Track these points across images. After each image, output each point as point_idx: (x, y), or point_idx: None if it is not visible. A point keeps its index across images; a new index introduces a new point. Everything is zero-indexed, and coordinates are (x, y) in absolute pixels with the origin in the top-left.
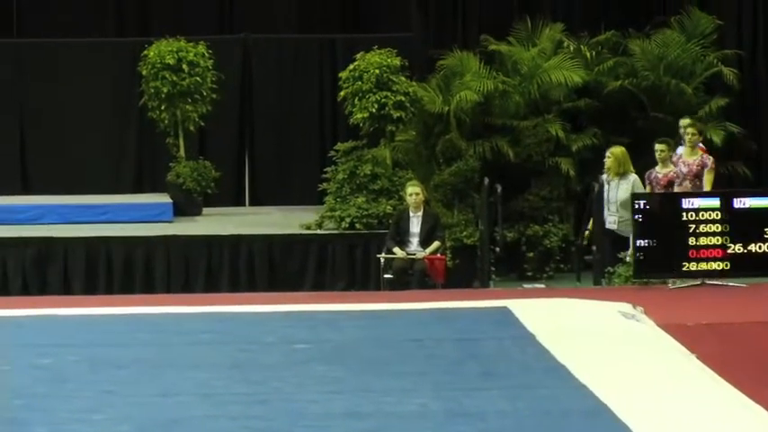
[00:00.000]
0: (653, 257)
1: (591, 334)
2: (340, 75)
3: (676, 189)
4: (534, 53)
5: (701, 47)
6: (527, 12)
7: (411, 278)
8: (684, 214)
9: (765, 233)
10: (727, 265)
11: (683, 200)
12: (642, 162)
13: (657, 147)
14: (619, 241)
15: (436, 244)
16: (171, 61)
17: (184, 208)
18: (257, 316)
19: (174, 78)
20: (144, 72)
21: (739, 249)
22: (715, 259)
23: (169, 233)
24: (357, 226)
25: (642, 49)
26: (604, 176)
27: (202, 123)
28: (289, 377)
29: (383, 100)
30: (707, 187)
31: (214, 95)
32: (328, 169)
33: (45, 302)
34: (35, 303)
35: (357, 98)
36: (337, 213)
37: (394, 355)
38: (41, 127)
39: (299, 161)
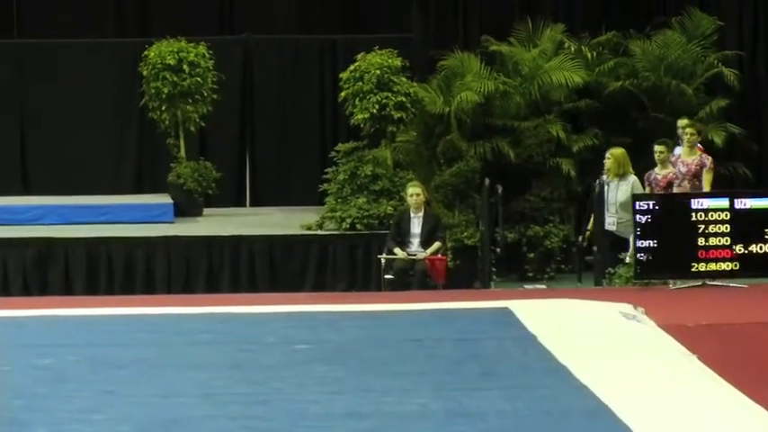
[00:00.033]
0: (660, 258)
1: (592, 334)
2: (341, 75)
3: (675, 190)
4: (535, 54)
5: (702, 48)
6: (528, 12)
7: (412, 279)
8: (693, 215)
9: (766, 234)
10: (736, 266)
11: (692, 200)
12: (643, 163)
13: (657, 148)
14: (618, 242)
15: (437, 245)
16: (172, 62)
17: (185, 208)
18: (258, 316)
19: (175, 79)
20: (145, 72)
21: (740, 250)
22: (724, 260)
23: (170, 234)
24: (358, 227)
25: (643, 50)
26: (604, 177)
27: (203, 124)
28: (289, 377)
29: (384, 101)
30: (706, 187)
31: (215, 96)
32: (329, 170)
33: (45, 303)
34: (36, 304)
35: (358, 99)
36: (338, 214)
37: (394, 356)
38: (42, 127)
39: (299, 162)
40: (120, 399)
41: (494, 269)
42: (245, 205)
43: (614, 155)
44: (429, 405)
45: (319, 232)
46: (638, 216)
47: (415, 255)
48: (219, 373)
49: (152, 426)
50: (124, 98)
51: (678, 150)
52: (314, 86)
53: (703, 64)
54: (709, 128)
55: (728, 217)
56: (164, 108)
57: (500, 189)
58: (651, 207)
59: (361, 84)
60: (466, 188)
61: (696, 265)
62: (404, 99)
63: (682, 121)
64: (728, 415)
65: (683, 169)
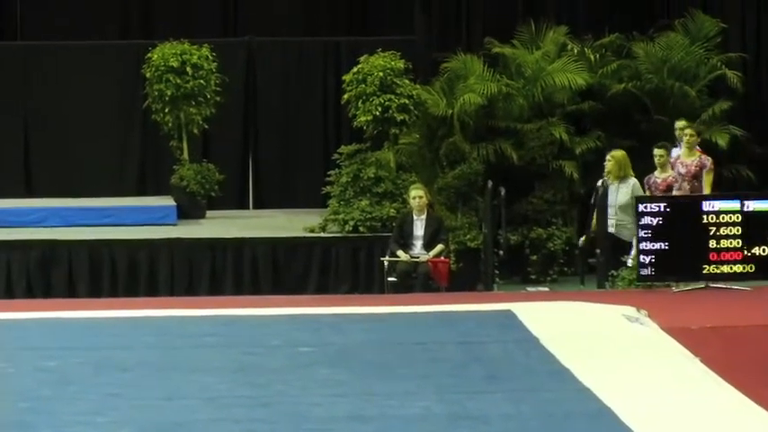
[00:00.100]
0: (671, 260)
1: (595, 337)
2: (344, 78)
3: (675, 192)
4: (538, 56)
5: (705, 50)
6: (531, 15)
7: (415, 281)
8: (705, 217)
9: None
10: (751, 268)
11: (704, 203)
12: (646, 166)
13: (656, 152)
14: (618, 244)
15: (440, 247)
16: (175, 64)
17: (188, 211)
18: (261, 319)
19: (178, 81)
20: (148, 75)
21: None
22: (735, 262)
23: (173, 236)
24: (361, 229)
25: (646, 52)
26: (604, 180)
27: (206, 126)
28: (292, 380)
29: (387, 103)
30: (707, 188)
31: (218, 98)
32: (332, 172)
33: (49, 305)
34: (39, 306)
35: (361, 101)
36: (341, 216)
37: (397, 359)
38: (45, 130)
39: (302, 164)
40: (123, 401)
41: (496, 272)
42: (248, 207)
43: (615, 157)
44: (432, 408)
45: (322, 235)
46: (643, 218)
47: (417, 257)
48: (223, 376)
49: (155, 429)
50: (127, 100)
51: (676, 152)
52: (317, 89)
53: (706, 66)
54: (712, 130)
55: (740, 219)
56: (167, 110)
57: (503, 191)
58: (662, 209)
59: (364, 86)
60: (469, 190)
61: (708, 268)
62: (407, 101)
63: (680, 123)
64: (732, 418)
65: (683, 170)
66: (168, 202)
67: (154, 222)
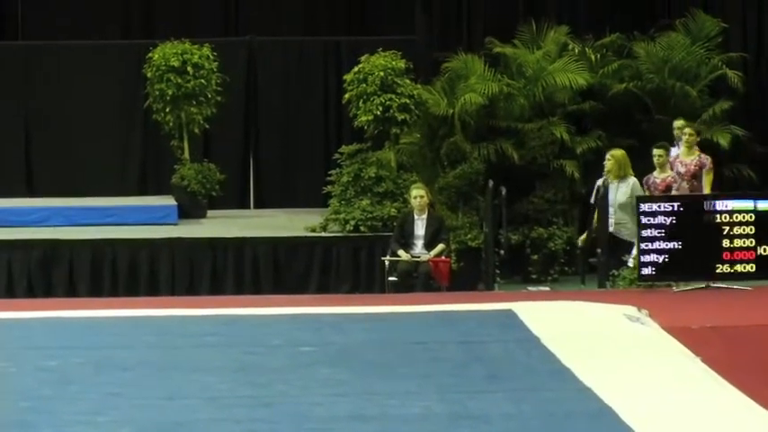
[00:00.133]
0: (684, 260)
1: (595, 337)
2: (345, 77)
3: (674, 192)
4: (539, 56)
5: (706, 50)
6: (532, 14)
7: (415, 281)
8: (718, 216)
9: None
10: (765, 267)
11: (717, 202)
12: (646, 165)
13: (655, 152)
14: (617, 244)
15: (441, 246)
16: (176, 63)
17: (189, 210)
18: (262, 319)
19: (179, 81)
20: (149, 74)
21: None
22: (748, 261)
23: (174, 235)
24: (362, 229)
25: (647, 52)
26: (604, 179)
27: (207, 126)
28: (294, 380)
29: (388, 102)
30: (707, 188)
31: (219, 98)
32: (333, 172)
33: (50, 305)
34: (40, 305)
35: (361, 101)
36: (342, 216)
37: (398, 358)
38: (47, 129)
39: (303, 164)
40: (124, 401)
41: (497, 271)
42: (248, 207)
43: (615, 156)
44: (433, 408)
45: (323, 234)
46: (656, 218)
47: (418, 257)
48: (224, 376)
49: (156, 428)
50: (128, 100)
51: (675, 151)
52: (318, 88)
53: (707, 66)
54: (713, 130)
55: (753, 219)
56: (168, 110)
57: (504, 191)
58: (675, 209)
59: (364, 86)
60: (470, 190)
61: (721, 267)
62: (408, 101)
63: (678, 122)
64: (732, 418)
65: (682, 169)
66: (169, 201)
67: (155, 222)
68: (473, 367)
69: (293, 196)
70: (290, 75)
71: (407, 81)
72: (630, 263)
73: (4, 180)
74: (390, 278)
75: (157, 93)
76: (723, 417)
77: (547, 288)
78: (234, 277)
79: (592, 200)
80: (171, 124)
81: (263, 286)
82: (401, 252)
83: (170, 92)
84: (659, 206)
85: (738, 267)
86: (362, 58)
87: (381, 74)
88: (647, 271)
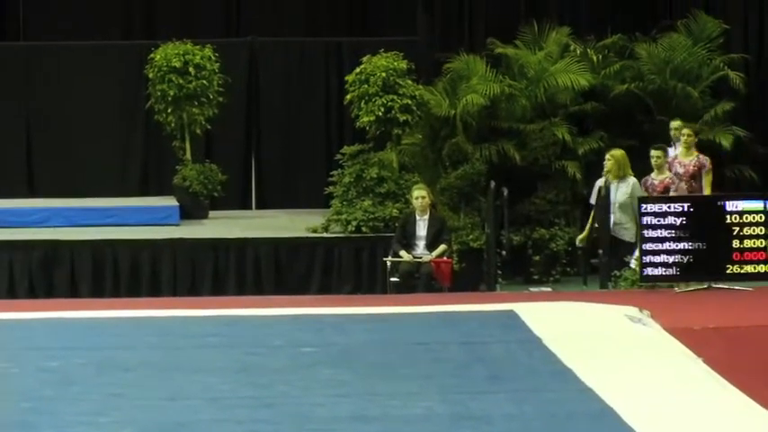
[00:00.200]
0: (695, 260)
1: (597, 337)
2: (346, 78)
3: (672, 194)
4: (541, 56)
5: (708, 50)
6: (534, 15)
7: (417, 281)
8: (728, 217)
9: None
10: None
11: (727, 203)
12: (648, 166)
13: (653, 153)
14: (617, 244)
15: (442, 247)
16: (177, 64)
17: (191, 211)
18: (264, 319)
19: (181, 81)
20: (150, 75)
21: None
22: (759, 262)
23: (176, 236)
24: (363, 229)
25: (648, 53)
26: (603, 179)
27: (209, 126)
28: (295, 381)
29: (389, 103)
30: (706, 189)
31: (220, 98)
32: (335, 172)
33: (52, 305)
34: (42, 306)
35: (363, 101)
36: (344, 217)
37: (400, 359)
38: (48, 130)
39: (305, 164)
40: (126, 402)
41: (499, 272)
42: (250, 208)
43: (615, 156)
44: (435, 408)
45: (325, 235)
46: (666, 218)
47: (420, 257)
48: (226, 377)
49: (158, 429)
50: (130, 101)
51: (672, 152)
52: (319, 89)
53: (709, 67)
54: (715, 131)
55: (763, 219)
56: (169, 110)
57: (505, 192)
58: (686, 209)
59: (366, 86)
60: (471, 191)
61: (731, 268)
62: (409, 102)
63: (675, 123)
64: (734, 418)
65: (681, 170)
66: (171, 202)
67: (156, 222)
68: (475, 368)
69: (295, 197)
70: (291, 75)
71: (409, 82)
72: (633, 264)
73: (5, 180)
74: (392, 279)
75: (159, 93)
76: (724, 417)
77: (548, 289)
78: (236, 278)
79: (591, 200)
80: (172, 125)
81: (264, 287)
82: (403, 253)
83: (172, 92)
84: (669, 207)
85: (749, 268)
86: (364, 59)
87: (383, 75)
88: (649, 271)
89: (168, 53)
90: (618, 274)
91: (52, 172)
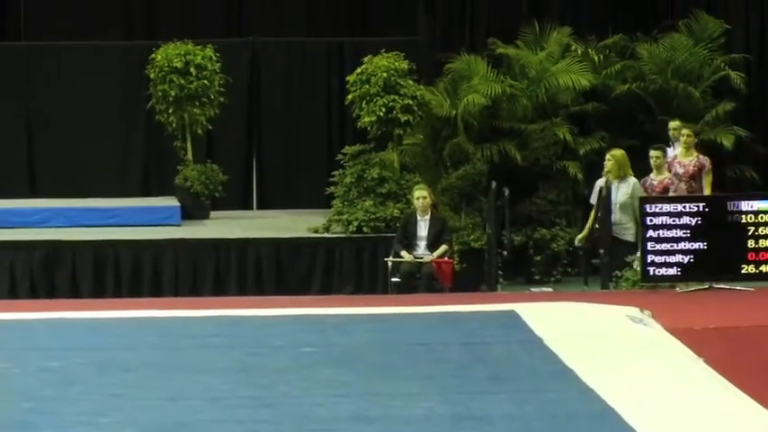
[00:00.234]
0: (709, 260)
1: (598, 338)
2: (348, 78)
3: (671, 194)
4: (542, 57)
5: (709, 50)
6: (535, 15)
7: (418, 282)
8: (743, 217)
9: None
10: None
11: (742, 203)
12: (650, 166)
13: (652, 153)
14: (617, 244)
15: (444, 248)
16: (179, 64)
17: (192, 211)
18: (265, 320)
19: (182, 82)
20: (152, 75)
21: None
22: None
23: (177, 236)
24: (365, 229)
25: (650, 53)
26: (603, 179)
27: (210, 127)
28: (296, 381)
29: (391, 103)
30: (707, 189)
31: (222, 99)
32: (336, 173)
33: (53, 305)
34: (43, 306)
35: (365, 102)
36: (345, 217)
37: (401, 359)
38: (49, 130)
39: (306, 164)
40: (127, 402)
41: (500, 272)
42: (251, 208)
43: (615, 156)
44: (436, 409)
45: (326, 235)
46: (682, 218)
47: (421, 258)
48: (227, 377)
49: (159, 429)
50: (131, 101)
51: (671, 152)
52: (321, 89)
53: (710, 67)
54: (717, 131)
55: None
56: (171, 111)
57: (507, 192)
58: (701, 209)
59: (367, 87)
60: (472, 191)
61: (746, 267)
62: (411, 102)
63: (674, 123)
64: (735, 419)
65: (681, 170)
66: (172, 202)
67: (158, 223)
68: (476, 368)
69: (296, 197)
70: (292, 76)
71: (410, 82)
72: (636, 264)
73: (6, 181)
74: (393, 279)
75: (160, 94)
76: (725, 418)
77: (550, 289)
78: (237, 278)
79: (591, 200)
80: (174, 125)
81: (265, 287)
82: (404, 253)
83: (173, 93)
84: (684, 207)
85: (764, 268)
86: (365, 59)
87: (384, 75)
88: (655, 271)
89: (169, 53)
90: (619, 274)
91: (54, 172)
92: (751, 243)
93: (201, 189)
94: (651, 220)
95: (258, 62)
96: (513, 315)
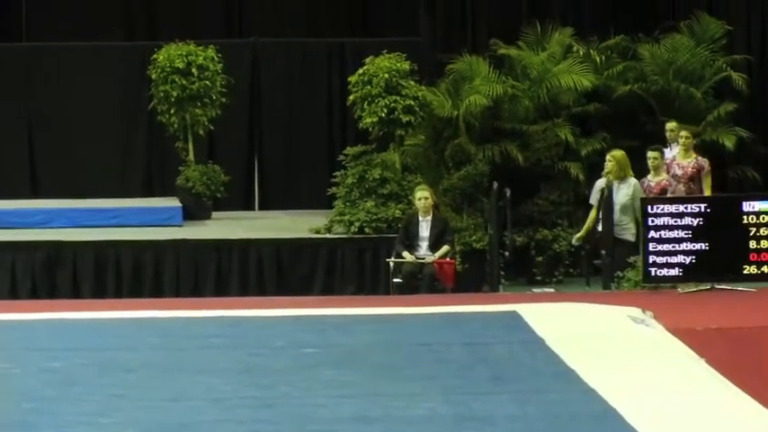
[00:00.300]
0: (711, 261)
1: (600, 338)
2: (349, 79)
3: (669, 195)
4: (543, 57)
5: (710, 51)
6: (536, 16)
7: (420, 282)
8: (745, 217)
9: None
10: None
11: (744, 203)
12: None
13: (650, 154)
14: (618, 245)
15: (445, 248)
16: (180, 65)
17: (194, 212)
18: (266, 320)
19: (184, 82)
20: (153, 76)
21: None
22: None
23: (178, 237)
24: (366, 230)
25: (651, 54)
26: (603, 180)
27: (212, 127)
28: (297, 381)
29: (392, 104)
30: (706, 191)
31: (223, 99)
32: (337, 173)
33: (54, 306)
34: (44, 307)
35: (366, 102)
36: (346, 218)
37: (403, 360)
38: (50, 131)
39: (308, 165)
40: (128, 402)
41: (502, 273)
42: (253, 209)
43: (616, 157)
44: (438, 409)
45: (328, 236)
46: (683, 219)
47: (423, 258)
48: (228, 378)
49: (160, 430)
50: (133, 102)
51: (669, 153)
52: (322, 90)
53: (712, 68)
54: (718, 132)
55: None
56: (172, 111)
57: (508, 193)
58: (703, 210)
59: (369, 87)
60: (474, 192)
61: (748, 268)
62: (412, 103)
63: (671, 124)
64: (737, 419)
65: (679, 172)
66: (174, 203)
67: (159, 223)
68: (478, 369)
69: (298, 198)
70: (293, 76)
71: (412, 83)
72: (638, 264)
73: (7, 181)
74: (395, 280)
75: (162, 94)
76: (727, 418)
77: (551, 290)
78: (238, 279)
79: (591, 200)
80: (175, 126)
81: (267, 288)
82: (406, 254)
83: (174, 93)
84: (686, 207)
85: (765, 268)
86: (367, 60)
87: (386, 76)
88: (653, 272)
89: (171, 54)
90: (620, 275)
91: (55, 173)
92: (753, 244)
93: (203, 190)
94: (653, 221)
95: (259, 63)
96: (514, 316)
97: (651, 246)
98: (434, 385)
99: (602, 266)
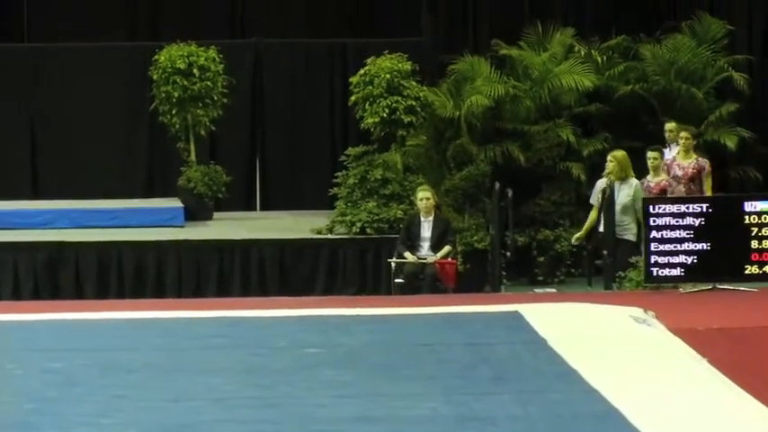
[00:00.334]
0: (713, 261)
1: (602, 338)
2: (351, 79)
3: (669, 196)
4: (545, 58)
5: (712, 52)
6: (538, 16)
7: (422, 283)
8: (747, 217)
9: None
10: None
11: (746, 203)
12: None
13: (650, 154)
14: (618, 245)
15: (447, 248)
16: (182, 66)
17: (195, 212)
18: (268, 320)
19: (185, 83)
20: (155, 76)
21: None
22: None
23: (180, 238)
24: (368, 231)
25: (653, 54)
26: (604, 180)
27: (213, 128)
28: (299, 381)
29: (394, 105)
30: (707, 192)
31: (225, 100)
32: (339, 174)
33: (56, 307)
34: (46, 307)
35: (368, 103)
36: (348, 218)
37: (404, 360)
38: (52, 132)
39: (309, 166)
40: (130, 403)
41: (504, 273)
42: (255, 209)
43: (617, 157)
44: (439, 409)
45: (329, 236)
46: (685, 219)
47: (425, 259)
48: (230, 378)
49: (162, 430)
50: (134, 102)
51: (668, 154)
52: (324, 90)
53: (713, 68)
54: (720, 132)
55: None
56: (174, 112)
57: (510, 193)
58: (704, 210)
59: (371, 88)
60: (476, 192)
61: (750, 268)
62: (414, 103)
63: (670, 125)
64: (739, 419)
65: (680, 173)
66: (175, 203)
67: (161, 224)
68: (479, 369)
69: (299, 198)
70: (296, 77)
71: (413, 83)
72: (640, 264)
73: (9, 182)
74: (397, 280)
75: (164, 95)
76: (729, 418)
77: (553, 290)
78: (240, 279)
79: (591, 200)
80: (177, 126)
81: (269, 288)
82: (407, 254)
83: (176, 94)
84: (688, 207)
85: (767, 269)
86: (368, 61)
87: (387, 76)
88: (655, 272)
89: (173, 55)
90: (622, 275)
91: (57, 174)
92: (754, 244)
93: (205, 190)
94: (654, 221)
95: (261, 63)
96: (516, 316)
97: (653, 246)
98: (436, 385)
99: (604, 266)
